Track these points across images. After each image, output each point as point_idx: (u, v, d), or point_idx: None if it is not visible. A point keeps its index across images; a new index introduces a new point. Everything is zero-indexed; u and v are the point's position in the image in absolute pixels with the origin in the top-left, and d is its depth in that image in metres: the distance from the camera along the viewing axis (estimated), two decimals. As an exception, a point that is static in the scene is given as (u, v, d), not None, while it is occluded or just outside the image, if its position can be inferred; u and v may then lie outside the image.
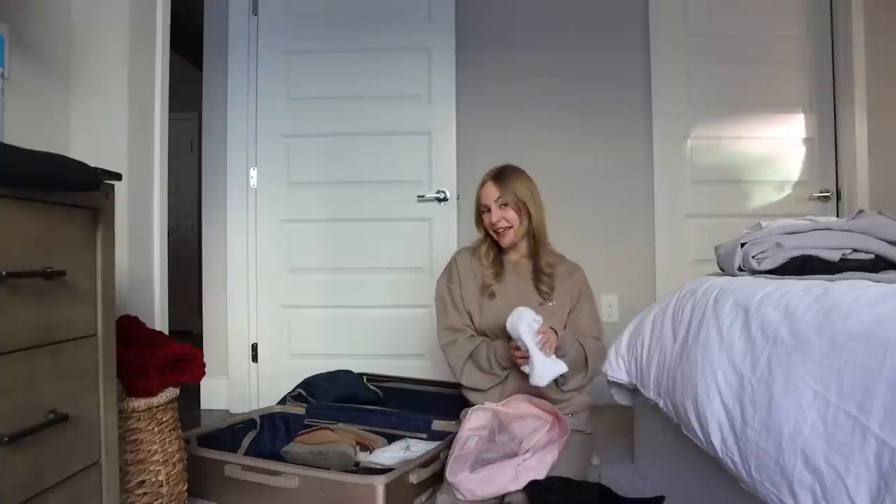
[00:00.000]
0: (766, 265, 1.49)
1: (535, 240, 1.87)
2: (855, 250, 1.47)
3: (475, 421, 1.70)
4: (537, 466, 1.51)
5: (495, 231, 1.86)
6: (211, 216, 2.91)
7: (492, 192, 1.85)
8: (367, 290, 2.80)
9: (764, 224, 1.66)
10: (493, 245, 1.91)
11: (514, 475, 1.48)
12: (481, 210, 1.89)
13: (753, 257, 1.52)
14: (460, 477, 1.49)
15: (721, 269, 1.74)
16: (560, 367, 1.60)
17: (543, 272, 1.86)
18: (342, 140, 2.83)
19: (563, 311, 1.84)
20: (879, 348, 0.86)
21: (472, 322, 1.87)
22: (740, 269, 1.58)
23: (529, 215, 1.85)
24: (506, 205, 1.83)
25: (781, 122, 2.93)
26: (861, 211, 1.67)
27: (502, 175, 1.87)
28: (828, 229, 1.52)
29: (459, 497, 1.48)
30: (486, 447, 1.61)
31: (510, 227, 1.84)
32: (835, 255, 1.45)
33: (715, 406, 1.23)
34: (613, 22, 2.94)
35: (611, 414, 2.22)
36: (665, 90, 2.90)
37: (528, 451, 1.56)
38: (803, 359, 1.01)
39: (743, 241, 1.60)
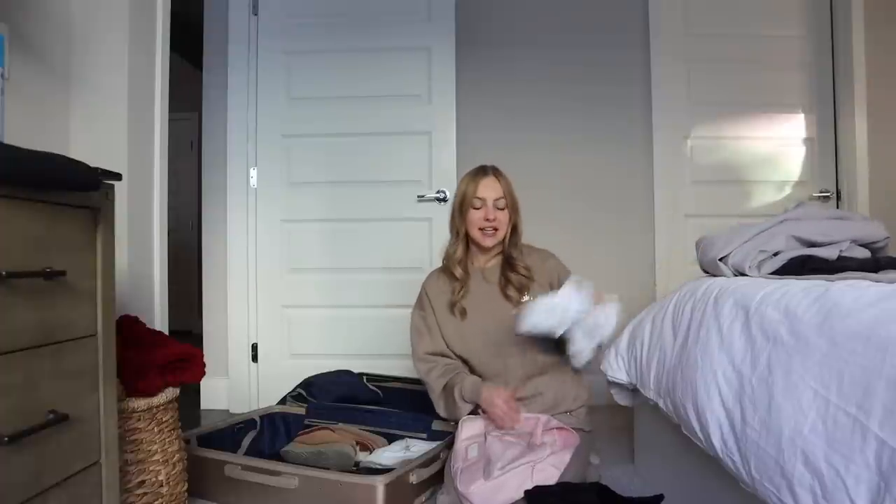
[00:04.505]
0: (766, 269, 1.49)
1: (510, 242, 1.82)
2: (853, 241, 1.50)
3: (468, 431, 1.69)
4: (556, 464, 1.51)
5: (484, 229, 1.78)
6: (211, 216, 2.91)
7: (495, 189, 1.78)
8: (368, 290, 2.80)
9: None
10: (465, 248, 1.84)
11: (530, 475, 1.46)
12: (472, 205, 1.78)
13: (750, 267, 1.52)
14: (473, 488, 1.47)
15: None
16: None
17: (518, 272, 1.79)
18: (342, 140, 2.83)
19: None
20: (879, 348, 0.86)
21: (449, 346, 1.83)
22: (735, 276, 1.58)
23: (515, 219, 1.82)
24: (503, 208, 1.79)
25: (781, 122, 2.93)
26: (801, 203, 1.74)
27: (498, 173, 1.82)
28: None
29: None
30: (498, 448, 1.57)
31: (498, 230, 1.79)
32: (833, 253, 1.45)
33: (715, 406, 1.23)
34: (613, 22, 2.94)
35: (611, 414, 2.22)
36: (665, 90, 2.90)
37: (545, 446, 1.56)
38: (803, 359, 1.01)
39: (720, 256, 1.62)
